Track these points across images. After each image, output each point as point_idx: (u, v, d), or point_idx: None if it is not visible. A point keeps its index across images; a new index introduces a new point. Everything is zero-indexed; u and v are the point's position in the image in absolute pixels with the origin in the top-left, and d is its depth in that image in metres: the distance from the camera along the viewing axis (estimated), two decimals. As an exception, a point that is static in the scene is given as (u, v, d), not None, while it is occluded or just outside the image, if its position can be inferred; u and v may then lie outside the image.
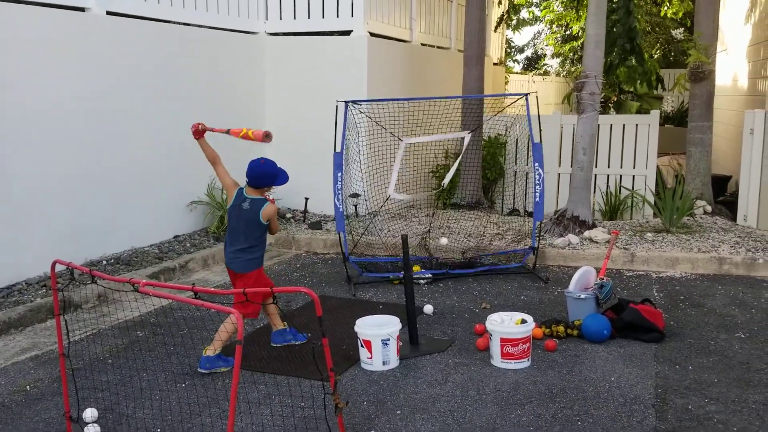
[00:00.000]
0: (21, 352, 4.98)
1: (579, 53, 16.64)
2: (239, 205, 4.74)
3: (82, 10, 6.66)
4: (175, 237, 7.81)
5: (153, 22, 7.46)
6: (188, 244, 7.56)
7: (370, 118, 7.14)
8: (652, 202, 8.83)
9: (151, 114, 7.45)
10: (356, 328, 4.64)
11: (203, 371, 4.51)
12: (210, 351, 4.56)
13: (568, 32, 18.15)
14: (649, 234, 7.63)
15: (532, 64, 24.57)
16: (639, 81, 11.21)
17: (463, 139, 7.79)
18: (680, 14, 14.70)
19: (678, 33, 11.60)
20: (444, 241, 5.64)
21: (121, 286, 4.85)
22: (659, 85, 15.40)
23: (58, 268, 4.95)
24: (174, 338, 5.17)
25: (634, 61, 10.94)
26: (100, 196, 6.85)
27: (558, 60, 21.20)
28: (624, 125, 9.85)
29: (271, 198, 4.78)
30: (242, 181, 4.89)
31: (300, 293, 6.17)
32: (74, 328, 5.34)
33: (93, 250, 6.78)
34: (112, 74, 6.94)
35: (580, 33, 16.75)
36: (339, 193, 6.54)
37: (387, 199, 7.04)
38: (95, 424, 3.75)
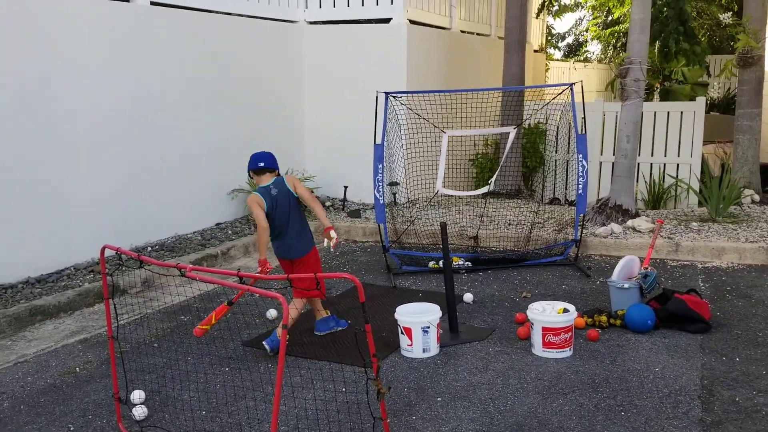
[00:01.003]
0: (70, 335, 5.13)
1: (621, 39, 16.30)
2: (270, 195, 4.68)
3: (127, 0, 6.77)
4: (217, 224, 7.93)
5: (195, 12, 7.55)
6: (230, 231, 7.67)
7: (410, 109, 7.10)
8: (698, 191, 8.63)
9: (192, 104, 7.55)
10: (396, 315, 4.66)
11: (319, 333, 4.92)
12: (319, 315, 4.92)
13: (609, 18, 17.79)
14: (694, 223, 7.48)
15: (573, 50, 24.18)
16: (694, 64, 10.94)
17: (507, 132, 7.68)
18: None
19: (725, 18, 11.29)
20: (469, 297, 5.68)
21: (167, 271, 4.96)
22: (705, 72, 15.02)
23: (107, 253, 5.08)
24: (218, 323, 5.25)
25: (686, 43, 10.69)
26: (145, 184, 6.99)
27: (599, 46, 20.82)
28: (668, 112, 9.65)
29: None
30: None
31: (340, 280, 6.22)
32: (121, 312, 5.46)
33: (138, 237, 6.92)
34: (156, 65, 7.06)
35: (622, 18, 16.40)
36: (380, 185, 6.54)
37: (436, 193, 7.00)
38: (143, 406, 3.84)
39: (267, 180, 4.73)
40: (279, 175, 4.79)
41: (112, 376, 3.77)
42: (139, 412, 3.78)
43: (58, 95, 6.08)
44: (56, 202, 6.10)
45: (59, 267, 6.10)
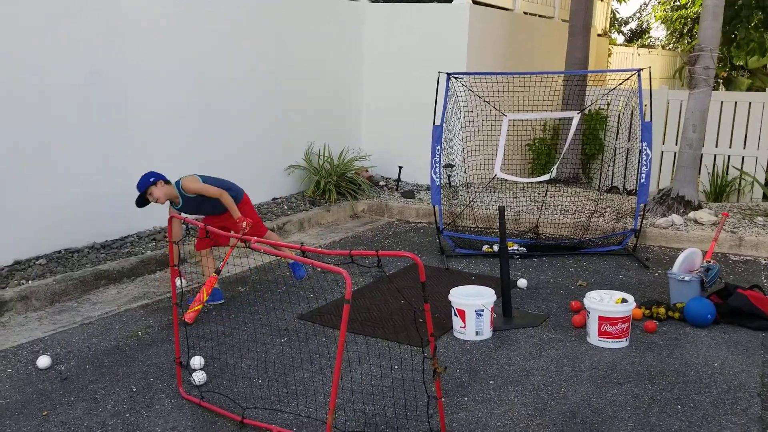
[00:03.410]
0: (133, 300, 5.30)
1: (689, 25, 15.78)
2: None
3: (194, -25, 6.86)
4: (273, 199, 8.04)
5: (260, -12, 7.61)
6: (285, 207, 7.77)
7: (472, 91, 7.03)
8: (764, 184, 8.35)
9: (254, 81, 7.64)
10: (450, 297, 4.66)
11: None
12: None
13: (677, 2, 17.24)
14: (759, 218, 7.25)
15: (636, 36, 23.52)
16: (761, 54, 10.54)
17: (568, 117, 7.54)
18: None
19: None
20: (523, 282, 5.63)
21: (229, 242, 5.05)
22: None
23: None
24: (274, 295, 5.37)
25: (759, 27, 10.27)
26: (205, 159, 7.11)
27: (665, 32, 20.20)
28: (736, 102, 9.34)
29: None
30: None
31: (395, 258, 6.25)
32: (181, 280, 5.62)
33: (197, 208, 7.06)
34: (220, 41, 7.15)
35: (689, 3, 15.87)
36: (437, 166, 6.52)
37: (493, 177, 6.94)
38: (202, 371, 3.96)
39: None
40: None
41: (175, 341, 3.89)
42: (199, 377, 3.90)
43: (128, 67, 6.23)
44: (120, 172, 6.27)
45: (123, 234, 6.29)
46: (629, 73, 6.70)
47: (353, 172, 8.45)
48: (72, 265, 5.57)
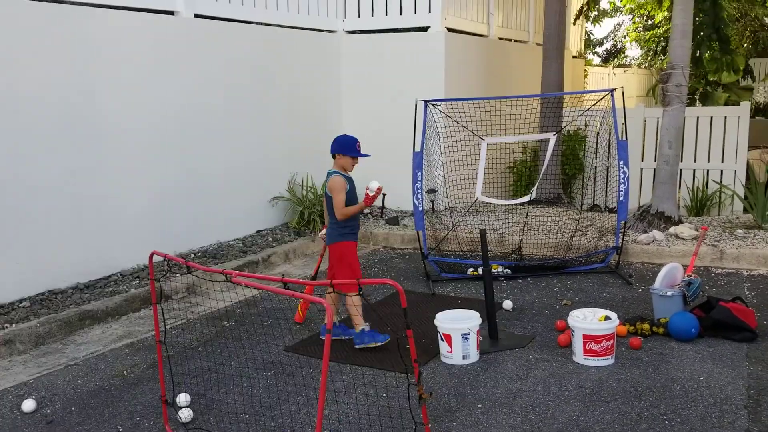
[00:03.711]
0: (118, 339, 5.27)
1: (662, 43, 16.08)
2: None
3: (171, 13, 6.95)
4: (258, 231, 8.05)
5: (237, 24, 7.71)
6: (270, 239, 7.78)
7: (449, 117, 7.12)
8: (743, 197, 8.47)
9: (234, 115, 7.70)
10: (436, 322, 4.68)
11: (358, 347, 4.79)
12: (359, 328, 4.82)
13: (650, 22, 17.59)
14: (739, 230, 7.34)
15: (612, 56, 23.92)
16: (725, 71, 10.74)
17: (546, 139, 7.64)
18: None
19: (770, 19, 11.05)
20: (508, 304, 5.70)
21: (210, 276, 5.06)
22: (749, 76, 14.71)
23: (155, 259, 5.20)
24: (260, 328, 5.35)
25: (718, 51, 10.50)
26: (188, 194, 7.14)
27: (640, 51, 20.56)
28: (712, 117, 9.50)
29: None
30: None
31: (380, 287, 6.26)
32: (166, 317, 5.57)
33: (181, 244, 7.07)
34: (198, 77, 7.22)
35: (662, 22, 16.17)
36: (419, 192, 6.58)
37: (475, 201, 7.01)
38: (188, 408, 3.93)
39: (332, 166, 4.96)
40: (342, 166, 4.92)
41: (160, 379, 3.87)
42: (185, 414, 3.87)
43: (103, 109, 6.26)
44: (103, 212, 6.27)
45: (106, 273, 6.27)
46: (603, 93, 6.82)
47: (337, 201, 8.47)
48: (56, 306, 5.53)
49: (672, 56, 7.47)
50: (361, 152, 4.91)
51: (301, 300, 4.95)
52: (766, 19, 12.42)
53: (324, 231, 5.12)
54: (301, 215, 8.15)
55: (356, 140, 4.91)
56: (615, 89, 6.68)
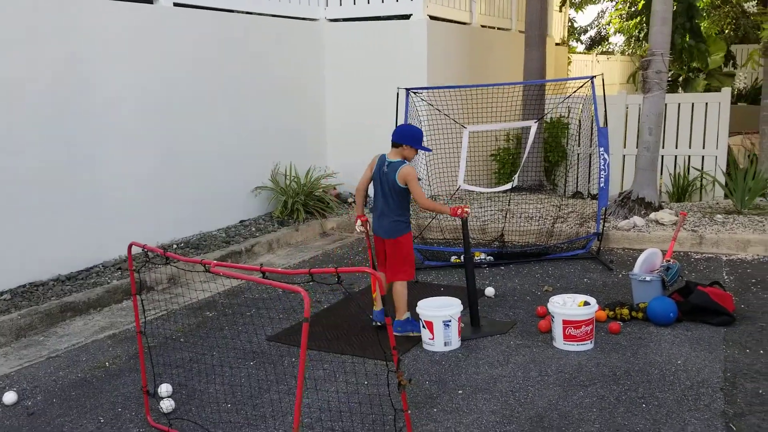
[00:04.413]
0: (100, 330, 5.25)
1: (644, 29, 16.14)
2: (380, 169, 4.81)
3: (150, 2, 6.89)
4: (241, 222, 8.03)
5: (216, 12, 7.65)
6: (253, 229, 7.77)
7: (431, 105, 7.12)
8: (723, 183, 8.55)
9: (216, 103, 7.66)
10: (418, 310, 4.71)
11: (396, 334, 4.64)
12: (399, 316, 4.80)
13: (633, 8, 17.63)
14: (719, 216, 7.41)
15: (596, 43, 23.98)
16: (697, 60, 10.81)
17: (528, 126, 7.67)
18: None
19: (750, 6, 11.11)
20: (490, 291, 5.72)
21: (192, 267, 5.05)
22: (731, 62, 14.81)
23: (134, 250, 5.19)
24: (242, 318, 5.36)
25: (689, 38, 10.56)
26: (171, 184, 7.10)
27: (623, 38, 20.62)
28: (693, 104, 9.56)
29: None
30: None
31: (364, 275, 6.27)
32: (148, 308, 5.58)
33: (164, 235, 7.04)
34: (180, 66, 7.17)
35: (644, 9, 16.20)
36: (400, 179, 6.57)
37: (457, 189, 7.03)
38: (170, 399, 3.93)
39: (392, 156, 4.79)
40: (404, 156, 4.76)
41: (141, 370, 3.87)
42: (167, 404, 3.87)
43: (84, 101, 6.21)
44: (85, 203, 6.23)
45: (88, 265, 6.24)
46: (584, 80, 6.84)
47: (321, 190, 8.48)
48: (37, 298, 5.51)
49: (652, 43, 7.50)
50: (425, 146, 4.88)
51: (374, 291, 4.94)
52: (746, 5, 12.47)
53: (361, 223, 4.97)
54: (284, 204, 8.13)
55: (422, 133, 4.87)
56: (595, 76, 6.71)
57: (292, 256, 7.33)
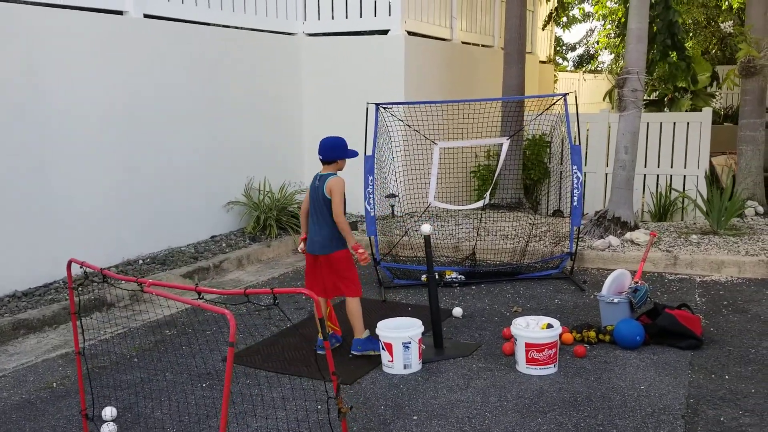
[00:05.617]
0: (52, 349, 5.10)
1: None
2: (313, 185, 4.71)
3: (120, 13, 6.79)
4: (212, 237, 7.89)
5: (190, 25, 7.57)
6: (224, 244, 7.63)
7: (402, 120, 7.03)
8: (701, 203, 8.46)
9: (188, 116, 7.55)
10: (377, 331, 4.57)
11: (356, 353, 4.67)
12: (358, 335, 4.70)
13: (618, 28, 17.66)
14: (694, 236, 7.32)
15: (585, 61, 24.01)
16: (681, 78, 10.76)
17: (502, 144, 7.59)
18: (735, 5, 14.09)
19: (727, 26, 11.10)
20: (458, 311, 5.59)
21: (134, 285, 4.91)
22: (715, 83, 14.80)
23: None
24: (202, 337, 5.21)
25: (675, 57, 10.51)
26: (138, 197, 6.97)
27: (611, 56, 20.64)
28: (675, 123, 9.50)
29: None
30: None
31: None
32: (105, 326, 5.44)
33: (131, 250, 6.90)
34: (149, 78, 7.06)
35: (623, 27, 16.23)
36: (370, 197, 6.48)
37: (428, 207, 6.92)
38: (112, 423, 3.78)
39: (324, 170, 4.70)
40: (335, 170, 4.68)
41: (80, 392, 3.72)
42: (108, 429, 3.72)
43: (48, 108, 6.10)
44: (46, 216, 6.09)
45: (48, 281, 6.08)
46: (557, 98, 6.77)
47: (295, 205, 8.35)
48: (-10, 315, 5.35)
49: (628, 60, 7.44)
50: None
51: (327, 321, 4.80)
52: (722, 25, 12.45)
53: (303, 242, 4.85)
54: (257, 220, 8.00)
55: (344, 139, 4.76)
56: (567, 93, 6.63)
57: (261, 272, 7.19)
